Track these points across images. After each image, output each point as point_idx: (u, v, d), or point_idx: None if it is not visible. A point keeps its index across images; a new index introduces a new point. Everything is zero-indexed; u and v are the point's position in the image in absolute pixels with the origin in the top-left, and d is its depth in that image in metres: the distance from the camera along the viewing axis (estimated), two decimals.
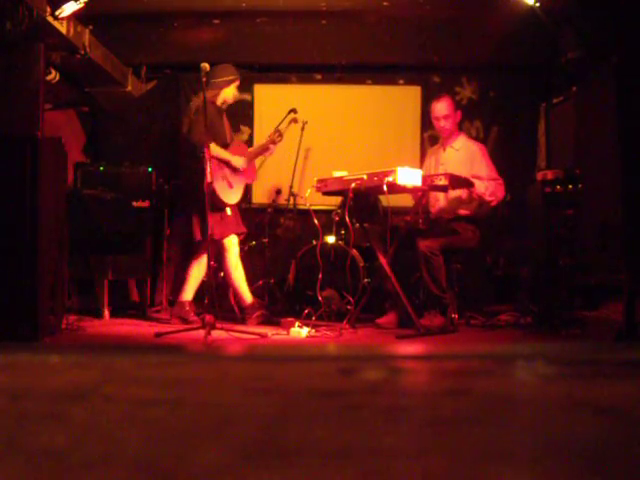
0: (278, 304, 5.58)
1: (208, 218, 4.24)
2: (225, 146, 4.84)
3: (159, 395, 0.65)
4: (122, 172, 5.90)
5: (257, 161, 6.51)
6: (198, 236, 4.76)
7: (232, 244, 4.89)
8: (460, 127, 5.13)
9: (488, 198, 4.55)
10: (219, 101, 4.89)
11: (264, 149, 5.14)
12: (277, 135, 5.11)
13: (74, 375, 0.76)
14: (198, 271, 4.85)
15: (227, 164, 4.82)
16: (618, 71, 4.58)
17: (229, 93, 4.91)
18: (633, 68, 4.43)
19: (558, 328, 4.33)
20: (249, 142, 5.39)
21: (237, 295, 4.97)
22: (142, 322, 4.95)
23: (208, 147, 4.38)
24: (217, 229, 4.68)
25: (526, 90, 6.66)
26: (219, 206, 4.75)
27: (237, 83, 4.93)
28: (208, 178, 4.16)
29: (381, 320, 4.65)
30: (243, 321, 4.84)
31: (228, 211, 4.82)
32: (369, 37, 6.14)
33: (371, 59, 6.71)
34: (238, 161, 4.87)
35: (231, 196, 4.84)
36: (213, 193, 4.65)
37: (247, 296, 4.91)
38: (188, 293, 4.84)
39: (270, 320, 4.81)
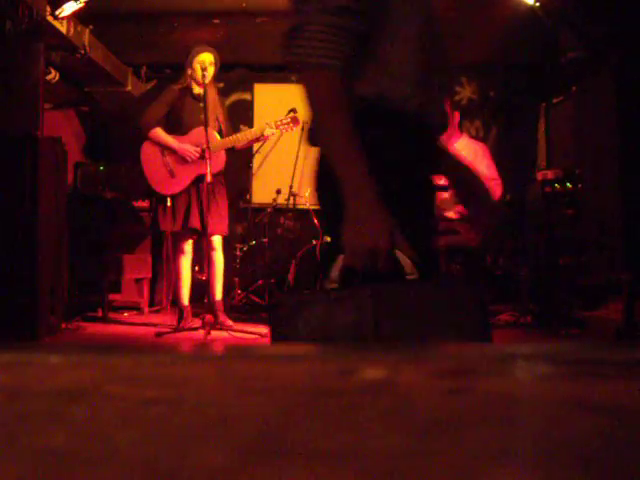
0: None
1: (208, 217, 4.24)
2: (182, 133, 4.48)
3: (159, 395, 0.65)
4: (122, 172, 5.90)
5: (256, 161, 6.54)
6: (159, 227, 4.50)
7: (180, 241, 4.50)
8: (461, 128, 5.12)
9: None
10: (190, 84, 4.52)
11: (253, 139, 4.63)
12: (287, 123, 4.59)
13: (74, 375, 0.76)
14: (177, 270, 4.57)
15: (173, 151, 4.46)
16: (618, 71, 4.57)
17: (194, 72, 4.47)
18: (633, 68, 4.43)
19: (558, 328, 4.33)
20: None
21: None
22: (142, 322, 4.95)
23: (148, 136, 4.41)
24: (162, 221, 4.44)
25: (526, 90, 6.67)
26: (157, 196, 4.49)
27: (197, 59, 4.44)
28: (208, 178, 4.16)
29: None
30: (248, 321, 4.82)
31: (168, 202, 4.42)
32: None
33: None
34: (186, 148, 4.45)
35: (170, 185, 4.44)
36: (147, 182, 4.50)
37: (182, 299, 4.58)
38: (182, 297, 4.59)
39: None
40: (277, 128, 4.57)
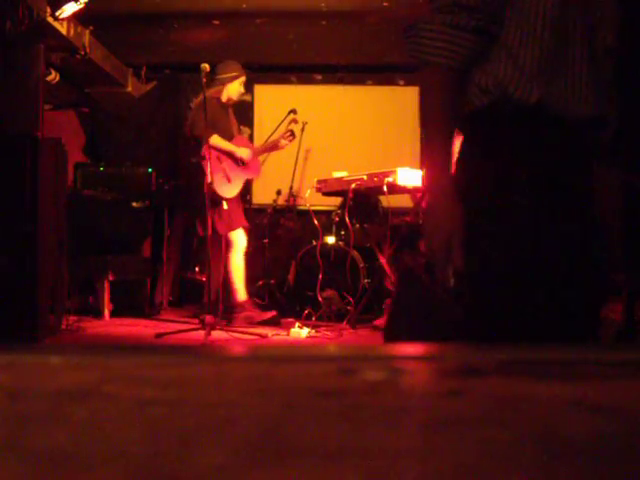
0: (278, 305, 5.58)
1: (208, 217, 4.25)
2: (229, 141, 4.80)
3: (159, 395, 0.65)
4: (122, 172, 5.91)
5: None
6: (201, 232, 4.71)
7: (237, 239, 4.81)
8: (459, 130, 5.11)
9: None
10: (223, 97, 4.84)
11: (273, 146, 5.11)
12: (289, 134, 5.11)
13: (74, 375, 0.76)
14: (235, 267, 4.79)
15: (229, 157, 4.76)
16: (618, 70, 4.58)
17: (233, 89, 4.86)
18: (633, 68, 4.43)
19: None
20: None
21: (229, 291, 4.83)
22: (142, 322, 4.95)
23: (208, 142, 4.44)
24: (219, 224, 4.66)
25: None
26: (215, 200, 4.68)
27: (241, 79, 4.89)
28: (208, 178, 4.17)
29: (379, 322, 4.65)
30: (228, 320, 4.71)
31: (224, 205, 4.72)
32: (369, 37, 6.14)
33: (371, 59, 6.71)
34: (243, 152, 4.81)
35: (228, 190, 4.76)
36: (211, 188, 4.65)
37: (240, 294, 4.78)
38: (239, 293, 4.79)
39: (255, 320, 4.65)
40: (287, 139, 5.09)
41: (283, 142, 5.08)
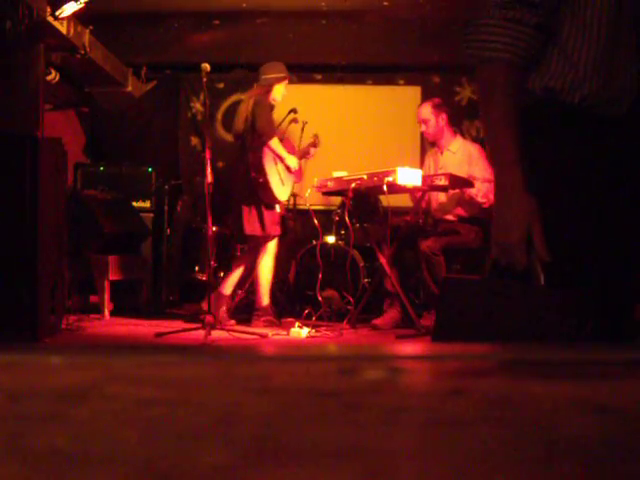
0: (278, 304, 5.58)
1: (208, 217, 4.25)
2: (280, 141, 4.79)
3: (159, 395, 0.65)
4: (122, 172, 5.90)
5: None
6: (257, 231, 4.64)
7: (273, 245, 4.78)
8: (456, 129, 5.10)
9: (480, 200, 4.48)
10: (270, 98, 4.80)
11: (304, 154, 5.09)
12: (316, 140, 5.11)
13: (74, 375, 0.76)
14: (266, 271, 4.75)
15: (281, 160, 4.74)
16: None
17: (278, 91, 4.80)
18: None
19: None
20: None
21: (256, 293, 4.83)
22: (142, 322, 4.95)
23: (268, 143, 4.53)
24: (265, 226, 4.65)
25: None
26: (271, 202, 4.69)
27: (287, 82, 4.85)
28: (209, 178, 4.17)
29: (377, 321, 4.64)
30: (248, 321, 4.77)
31: (277, 208, 4.71)
32: (369, 37, 6.14)
33: (371, 59, 6.71)
34: (292, 161, 4.78)
35: (283, 193, 4.76)
36: (269, 189, 4.64)
37: (265, 298, 4.76)
38: (265, 297, 4.75)
39: (276, 326, 4.64)
40: (315, 147, 5.08)
41: (313, 150, 5.07)
